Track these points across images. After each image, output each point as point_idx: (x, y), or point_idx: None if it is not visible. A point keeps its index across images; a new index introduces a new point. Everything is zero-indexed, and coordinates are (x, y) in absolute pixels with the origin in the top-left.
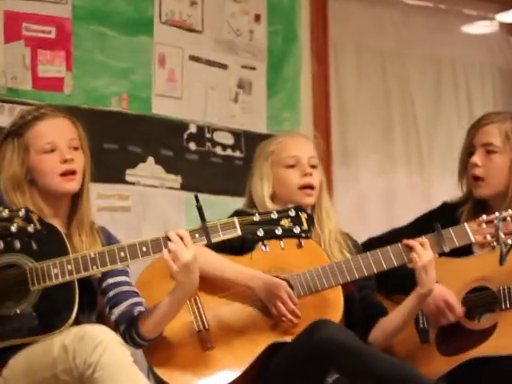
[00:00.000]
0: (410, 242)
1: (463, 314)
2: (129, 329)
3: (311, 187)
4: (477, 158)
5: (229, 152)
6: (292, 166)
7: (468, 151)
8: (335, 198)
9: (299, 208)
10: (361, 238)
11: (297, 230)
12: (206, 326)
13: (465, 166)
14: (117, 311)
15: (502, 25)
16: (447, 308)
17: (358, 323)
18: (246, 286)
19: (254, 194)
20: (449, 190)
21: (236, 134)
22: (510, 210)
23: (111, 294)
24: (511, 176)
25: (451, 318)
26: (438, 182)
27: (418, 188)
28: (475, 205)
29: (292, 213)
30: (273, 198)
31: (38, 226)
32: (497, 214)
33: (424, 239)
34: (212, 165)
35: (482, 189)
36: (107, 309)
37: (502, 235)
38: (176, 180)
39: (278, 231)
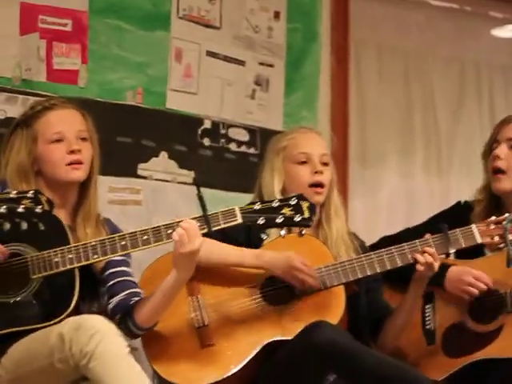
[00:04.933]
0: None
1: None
2: (124, 318)
3: (321, 185)
4: (499, 151)
5: (243, 148)
6: (303, 163)
7: (491, 146)
8: (351, 199)
9: (301, 197)
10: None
11: (298, 218)
12: (206, 323)
13: (486, 160)
14: (114, 301)
15: None
16: (474, 278)
17: (365, 326)
18: (258, 263)
19: (264, 188)
20: (467, 194)
21: (251, 130)
22: None
23: (110, 283)
24: None
25: (482, 286)
26: (456, 187)
27: (437, 192)
28: (489, 205)
29: (293, 201)
30: (283, 192)
31: (46, 207)
32: (506, 215)
33: (432, 250)
34: (226, 161)
35: (501, 182)
36: (106, 298)
37: (510, 237)
38: (189, 175)
39: (279, 219)
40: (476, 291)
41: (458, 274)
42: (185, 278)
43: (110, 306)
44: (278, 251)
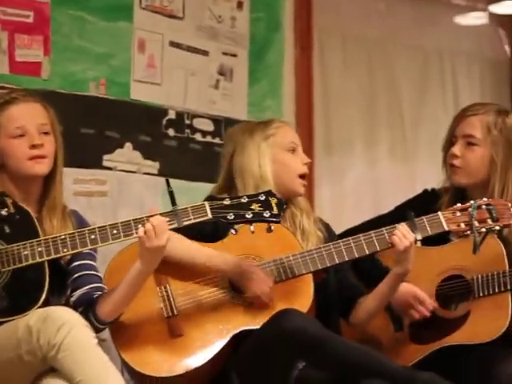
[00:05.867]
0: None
1: (435, 306)
2: (86, 311)
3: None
4: (456, 149)
5: (208, 138)
6: (292, 151)
7: (450, 141)
8: (318, 187)
9: (269, 193)
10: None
11: (267, 214)
12: (175, 313)
13: (446, 153)
14: (77, 294)
15: (492, 16)
16: (418, 302)
17: (335, 306)
18: (218, 270)
19: (248, 172)
20: (434, 180)
21: (216, 120)
22: (484, 199)
23: (75, 276)
24: (490, 169)
25: (425, 312)
26: (423, 173)
27: (403, 179)
28: (455, 195)
29: (262, 197)
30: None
31: (12, 210)
32: (471, 202)
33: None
34: (191, 151)
35: (458, 176)
36: (69, 290)
37: (475, 224)
38: (153, 166)
39: (248, 215)
40: (417, 316)
41: (403, 294)
42: (148, 272)
43: (73, 298)
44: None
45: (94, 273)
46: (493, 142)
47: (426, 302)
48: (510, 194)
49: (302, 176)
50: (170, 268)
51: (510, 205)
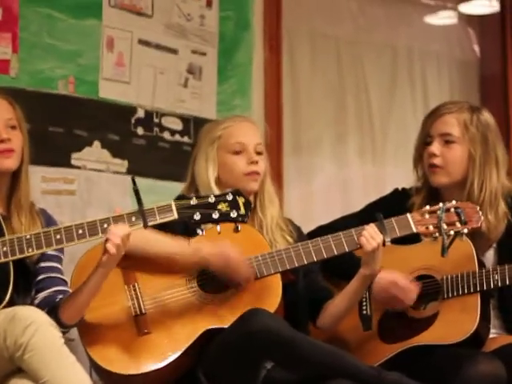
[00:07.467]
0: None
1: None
2: (49, 315)
3: (257, 173)
4: (435, 148)
5: (177, 137)
6: (238, 153)
7: (425, 141)
8: (286, 187)
9: (237, 192)
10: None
11: (234, 214)
12: (143, 311)
13: (420, 155)
14: (40, 296)
15: (462, 16)
16: (400, 292)
17: (304, 309)
18: (194, 259)
19: (198, 178)
20: (402, 180)
21: (185, 119)
22: (453, 201)
23: (40, 277)
24: (469, 166)
25: (409, 302)
26: (391, 173)
27: (372, 178)
28: (428, 195)
29: (229, 197)
30: (217, 182)
31: None
32: (440, 204)
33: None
34: (160, 150)
35: (439, 176)
36: (33, 292)
37: (444, 226)
38: (122, 164)
39: (215, 215)
40: (402, 305)
41: (384, 285)
42: (107, 273)
43: (36, 301)
44: (214, 243)
45: (59, 276)
46: (470, 139)
47: (407, 288)
48: (488, 190)
49: (249, 174)
50: (139, 266)
51: (478, 208)
